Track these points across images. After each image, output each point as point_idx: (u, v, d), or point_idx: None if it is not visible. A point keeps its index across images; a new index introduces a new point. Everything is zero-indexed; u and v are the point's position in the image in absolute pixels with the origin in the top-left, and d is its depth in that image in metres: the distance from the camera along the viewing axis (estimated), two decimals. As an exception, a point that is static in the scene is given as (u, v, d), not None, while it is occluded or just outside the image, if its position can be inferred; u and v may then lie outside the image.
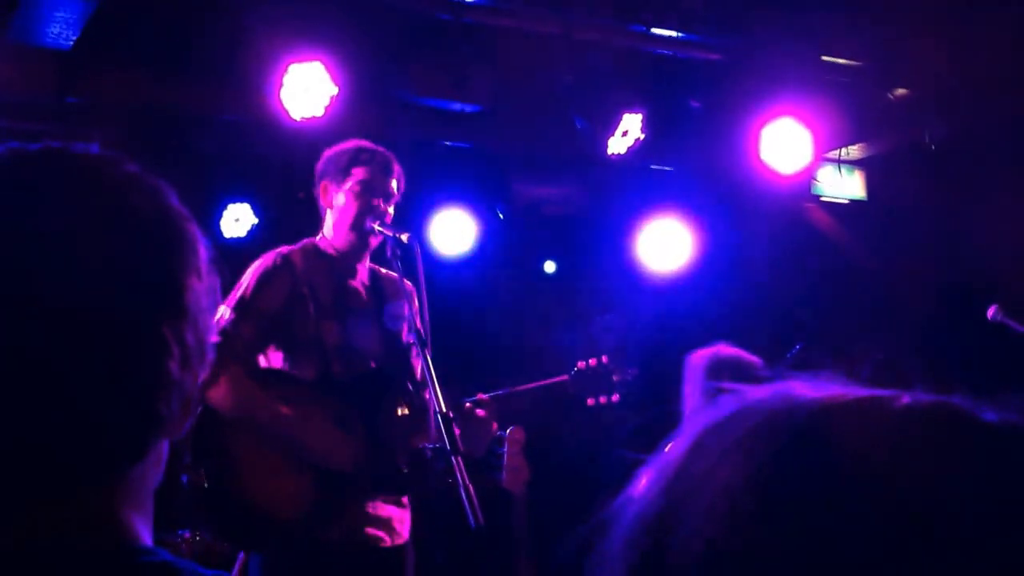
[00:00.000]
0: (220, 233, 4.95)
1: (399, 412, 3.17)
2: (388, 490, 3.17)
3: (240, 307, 3.12)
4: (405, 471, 3.19)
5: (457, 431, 2.80)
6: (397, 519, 3.20)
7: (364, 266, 3.33)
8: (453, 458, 2.72)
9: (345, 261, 3.28)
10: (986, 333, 4.15)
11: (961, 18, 4.29)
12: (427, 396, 3.14)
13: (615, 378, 3.34)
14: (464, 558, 4.28)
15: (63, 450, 0.84)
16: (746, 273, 5.44)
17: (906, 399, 0.55)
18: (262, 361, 3.19)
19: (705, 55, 4.68)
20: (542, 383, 3.32)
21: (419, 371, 3.27)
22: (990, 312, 4.16)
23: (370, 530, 3.13)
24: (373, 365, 3.21)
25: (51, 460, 0.84)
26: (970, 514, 0.49)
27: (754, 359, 3.13)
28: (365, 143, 3.32)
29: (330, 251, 3.28)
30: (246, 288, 3.15)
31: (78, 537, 0.85)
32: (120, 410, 0.85)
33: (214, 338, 2.99)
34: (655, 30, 4.44)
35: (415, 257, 3.07)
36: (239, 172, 4.97)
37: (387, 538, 3.17)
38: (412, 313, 3.20)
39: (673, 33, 4.50)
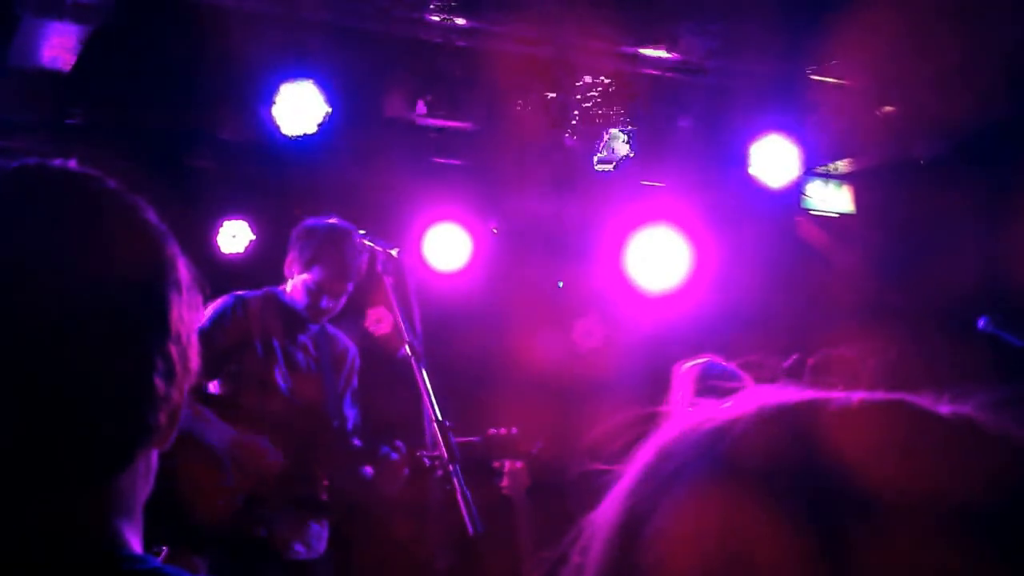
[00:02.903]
0: (218, 249, 4.99)
1: (328, 450, 3.36)
2: (307, 511, 3.36)
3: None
4: (324, 498, 3.40)
5: (372, 470, 3.04)
6: (314, 535, 3.40)
7: (316, 324, 3.54)
8: (451, 466, 2.78)
9: (300, 318, 3.49)
10: (977, 344, 4.17)
11: (948, 36, 4.35)
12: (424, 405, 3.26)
13: (521, 447, 3.53)
14: (466, 565, 4.30)
15: (51, 460, 0.85)
16: (736, 286, 5.47)
17: (856, 397, 0.56)
18: (211, 388, 3.39)
19: (695, 75, 4.73)
20: (457, 440, 3.48)
21: (351, 421, 3.51)
22: (981, 323, 4.19)
23: (290, 542, 3.32)
24: (311, 407, 3.41)
25: (39, 469, 0.85)
26: (915, 502, 0.50)
27: (741, 372, 3.16)
28: (337, 235, 3.43)
29: (289, 305, 3.48)
30: (202, 324, 3.32)
31: (68, 544, 0.86)
32: (106, 422, 0.87)
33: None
34: (645, 51, 4.49)
35: (404, 272, 3.15)
36: (236, 189, 5.01)
37: (302, 550, 3.36)
38: (349, 371, 3.52)
39: (663, 54, 4.55)
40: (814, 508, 0.51)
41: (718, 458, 0.55)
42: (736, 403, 0.58)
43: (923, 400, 0.56)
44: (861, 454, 0.52)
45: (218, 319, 3.35)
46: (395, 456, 3.32)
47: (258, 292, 3.51)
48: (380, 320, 3.29)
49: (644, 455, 0.59)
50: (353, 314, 3.64)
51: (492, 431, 3.51)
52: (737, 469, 0.55)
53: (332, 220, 3.50)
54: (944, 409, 0.56)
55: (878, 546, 0.49)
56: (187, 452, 3.17)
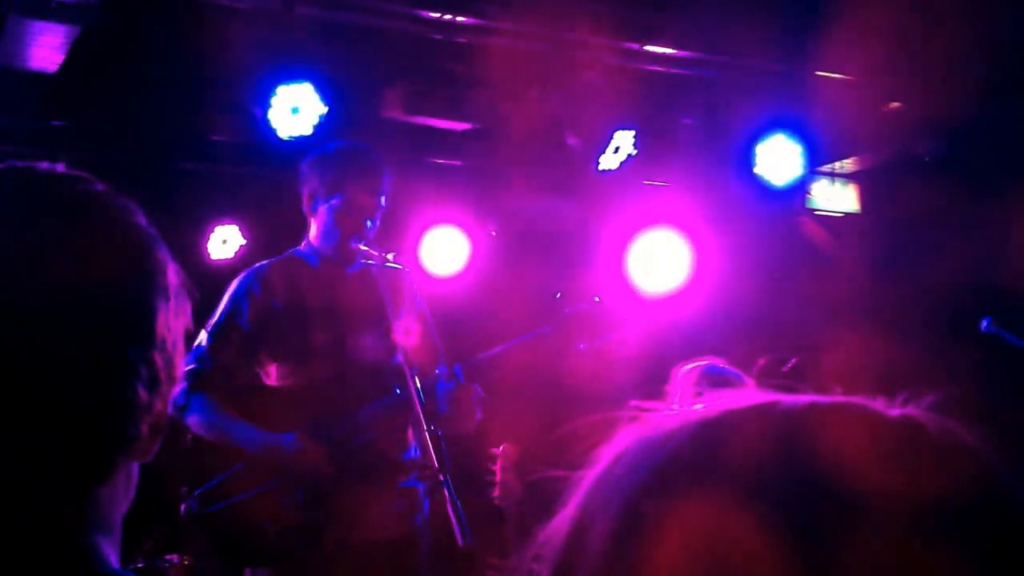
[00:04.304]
0: (207, 255, 4.90)
1: (387, 402, 3.15)
2: (383, 481, 3.15)
3: (215, 331, 3.14)
4: (396, 457, 3.18)
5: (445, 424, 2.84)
6: (401, 515, 3.18)
7: (355, 265, 3.30)
8: (441, 475, 2.70)
9: (332, 265, 3.27)
10: (980, 345, 4.14)
11: (953, 32, 4.29)
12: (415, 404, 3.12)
13: (604, 320, 3.18)
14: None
15: (26, 470, 0.83)
16: (739, 286, 5.42)
17: (803, 400, 0.56)
18: (261, 374, 3.21)
19: (699, 72, 4.67)
20: (522, 338, 3.21)
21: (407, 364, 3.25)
22: (984, 324, 4.16)
23: (370, 524, 3.10)
24: (364, 362, 3.19)
25: (13, 480, 0.82)
26: (860, 505, 0.50)
27: (742, 375, 3.08)
28: (354, 152, 3.26)
29: (315, 259, 3.26)
30: (222, 311, 3.17)
31: (44, 560, 0.83)
32: (85, 431, 0.84)
33: (191, 364, 2.94)
34: (648, 47, 4.43)
35: (401, 276, 3.08)
36: (227, 193, 4.94)
37: (391, 527, 3.14)
38: (409, 304, 3.21)
39: (666, 50, 4.49)
40: (793, 509, 0.51)
41: (657, 463, 0.56)
42: (684, 410, 0.59)
43: (874, 403, 0.56)
44: (803, 458, 0.52)
45: (237, 302, 3.16)
46: (452, 385, 3.04)
47: (278, 258, 3.28)
48: (409, 331, 3.15)
49: (601, 460, 0.60)
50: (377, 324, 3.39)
51: (569, 310, 3.15)
52: (671, 476, 0.55)
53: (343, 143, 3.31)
54: (894, 412, 0.56)
55: (860, 547, 0.50)
56: (240, 466, 3.08)
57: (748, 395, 0.58)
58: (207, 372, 3.10)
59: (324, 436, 3.08)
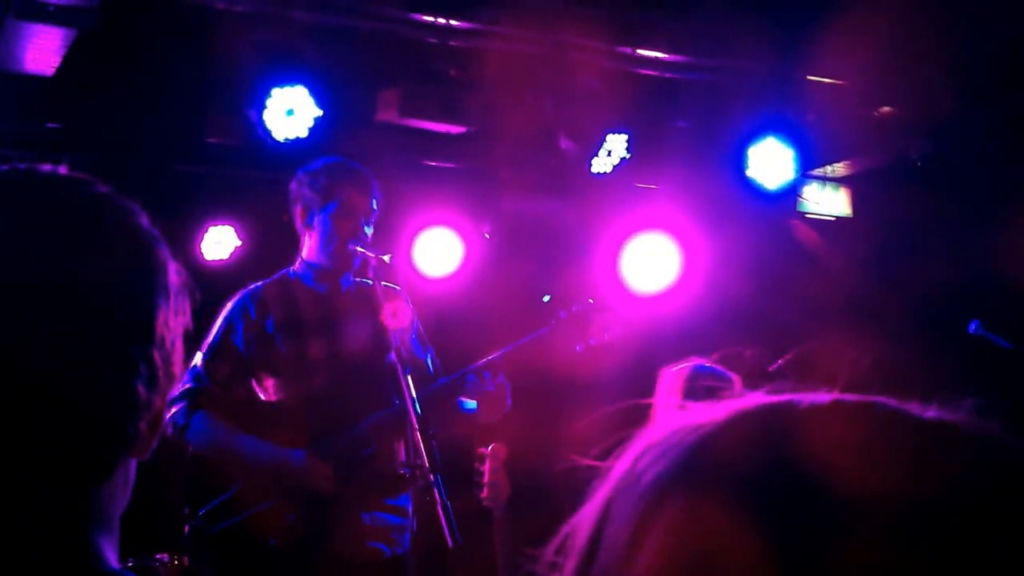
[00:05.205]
0: (201, 256, 4.89)
1: (386, 414, 3.18)
2: (383, 494, 3.17)
3: (210, 350, 3.18)
4: (398, 472, 3.20)
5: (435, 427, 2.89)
6: (395, 529, 3.21)
7: (349, 281, 3.34)
8: (432, 476, 2.71)
9: (327, 280, 3.29)
10: (968, 348, 4.16)
11: (944, 35, 4.32)
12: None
13: (600, 320, 3.26)
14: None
15: (28, 469, 0.83)
16: (732, 289, 5.43)
17: (829, 397, 0.55)
18: (258, 391, 3.24)
19: (692, 76, 4.69)
20: (523, 340, 3.26)
21: (430, 368, 3.34)
22: (971, 327, 4.19)
23: (367, 543, 3.14)
24: (361, 374, 3.22)
25: (12, 478, 0.82)
26: (887, 504, 0.49)
27: (730, 375, 3.10)
28: (342, 162, 3.33)
29: (310, 276, 3.29)
30: (216, 331, 3.21)
31: (45, 559, 0.83)
32: (86, 429, 0.84)
33: (188, 384, 2.97)
34: (641, 51, 4.45)
35: (396, 277, 3.10)
36: (222, 194, 4.94)
37: (386, 550, 3.17)
38: (408, 318, 3.24)
39: (660, 54, 4.51)
40: (778, 509, 0.50)
41: (682, 457, 0.55)
42: (718, 405, 0.58)
43: (903, 402, 0.55)
44: (831, 454, 0.51)
45: (231, 322, 3.19)
46: (487, 376, 3.11)
47: (271, 278, 3.32)
48: (396, 313, 3.15)
49: (628, 453, 0.59)
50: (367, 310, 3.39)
51: (563, 312, 3.22)
52: (700, 469, 0.54)
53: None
54: (928, 412, 0.54)
55: (844, 549, 0.48)
56: (240, 484, 3.12)
57: (778, 392, 0.57)
58: (205, 389, 3.13)
59: (328, 452, 3.10)
